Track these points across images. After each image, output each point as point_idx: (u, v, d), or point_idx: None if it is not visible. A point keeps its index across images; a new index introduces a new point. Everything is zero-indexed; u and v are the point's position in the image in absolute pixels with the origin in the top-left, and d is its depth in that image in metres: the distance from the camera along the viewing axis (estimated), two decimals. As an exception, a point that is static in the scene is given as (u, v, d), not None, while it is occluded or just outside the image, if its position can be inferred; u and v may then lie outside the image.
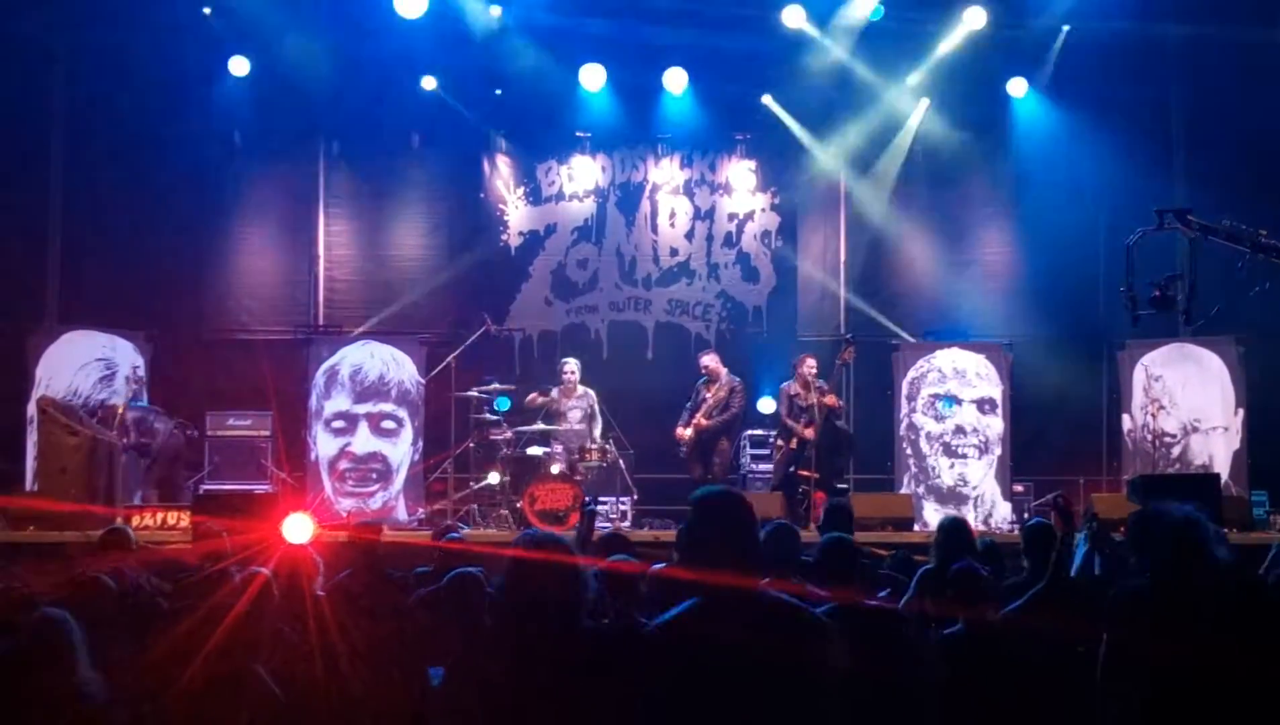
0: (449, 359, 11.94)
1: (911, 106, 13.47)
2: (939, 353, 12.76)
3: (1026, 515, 11.36)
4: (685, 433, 11.44)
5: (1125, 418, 12.56)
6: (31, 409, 11.41)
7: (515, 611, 3.37)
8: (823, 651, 3.01)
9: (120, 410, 11.12)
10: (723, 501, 3.15)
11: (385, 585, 5.75)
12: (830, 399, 11.01)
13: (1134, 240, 8.91)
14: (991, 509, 12.34)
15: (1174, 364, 12.35)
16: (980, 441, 12.53)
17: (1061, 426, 12.96)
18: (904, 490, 12.22)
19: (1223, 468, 11.80)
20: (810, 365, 11.09)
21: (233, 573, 4.90)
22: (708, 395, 11.47)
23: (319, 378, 12.59)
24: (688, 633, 2.95)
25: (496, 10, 12.68)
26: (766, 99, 13.57)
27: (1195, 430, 12.21)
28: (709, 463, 11.42)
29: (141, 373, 12.31)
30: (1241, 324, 11.48)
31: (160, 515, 10.09)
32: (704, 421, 11.37)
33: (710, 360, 11.67)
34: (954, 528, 6.09)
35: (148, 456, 11.27)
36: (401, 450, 12.48)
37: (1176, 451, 12.24)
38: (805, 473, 10.81)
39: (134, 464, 11.15)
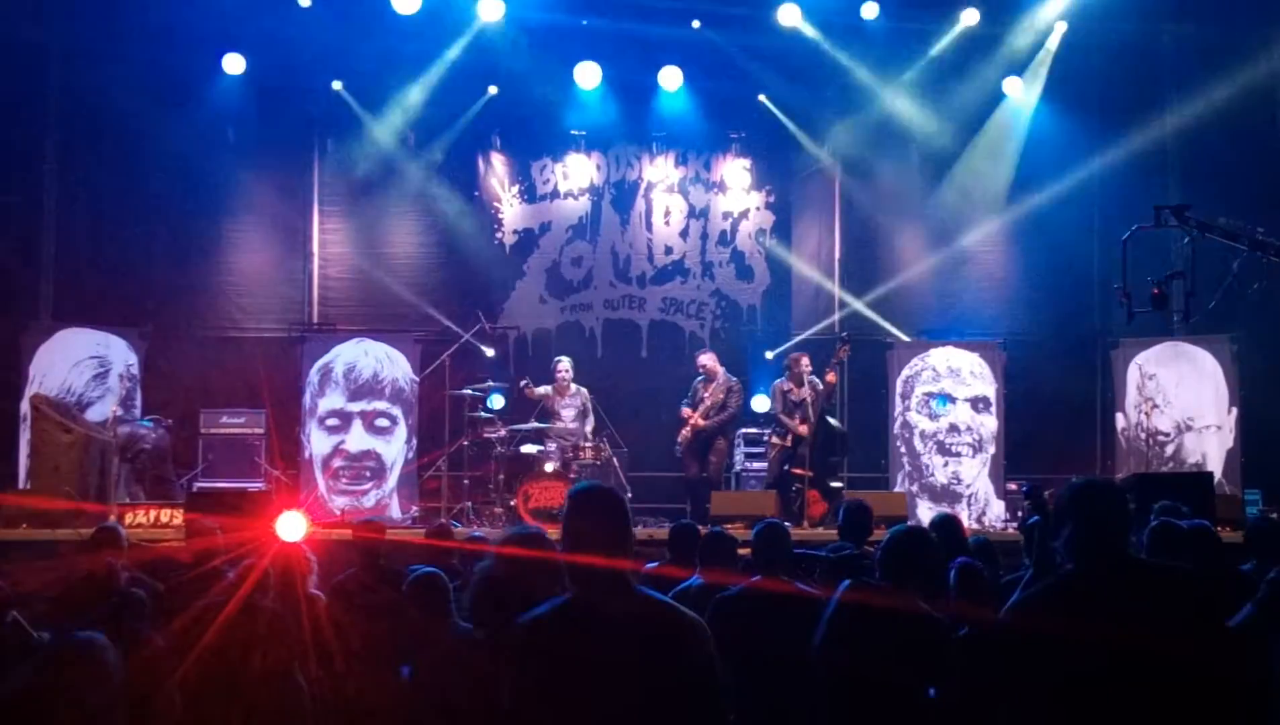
0: (443, 357, 11.95)
1: (906, 105, 13.46)
2: (933, 351, 12.80)
3: (1020, 514, 11.36)
4: (691, 415, 11.38)
5: (1119, 416, 12.58)
6: (25, 406, 11.38)
7: (500, 600, 3.58)
8: (693, 650, 3.07)
9: (110, 423, 11.02)
10: (595, 496, 3.27)
11: (384, 584, 5.74)
12: (831, 377, 10.99)
13: (1129, 236, 8.92)
14: (985, 507, 12.36)
15: (1168, 362, 12.38)
16: (974, 440, 12.55)
17: (1055, 425, 12.99)
18: (898, 488, 12.23)
19: (1216, 466, 11.83)
20: (805, 363, 11.11)
21: (226, 571, 4.89)
22: (705, 394, 11.46)
23: (313, 375, 12.58)
24: (551, 628, 3.06)
25: (492, 8, 12.65)
26: (761, 97, 13.57)
27: (1189, 428, 12.24)
28: (705, 461, 11.42)
29: (135, 370, 12.28)
30: (1235, 322, 11.52)
31: (153, 513, 10.03)
32: (701, 421, 11.35)
33: (708, 359, 11.66)
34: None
35: (140, 463, 11.23)
36: (395, 448, 12.47)
37: (1170, 450, 12.27)
38: (799, 471, 10.82)
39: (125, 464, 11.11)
